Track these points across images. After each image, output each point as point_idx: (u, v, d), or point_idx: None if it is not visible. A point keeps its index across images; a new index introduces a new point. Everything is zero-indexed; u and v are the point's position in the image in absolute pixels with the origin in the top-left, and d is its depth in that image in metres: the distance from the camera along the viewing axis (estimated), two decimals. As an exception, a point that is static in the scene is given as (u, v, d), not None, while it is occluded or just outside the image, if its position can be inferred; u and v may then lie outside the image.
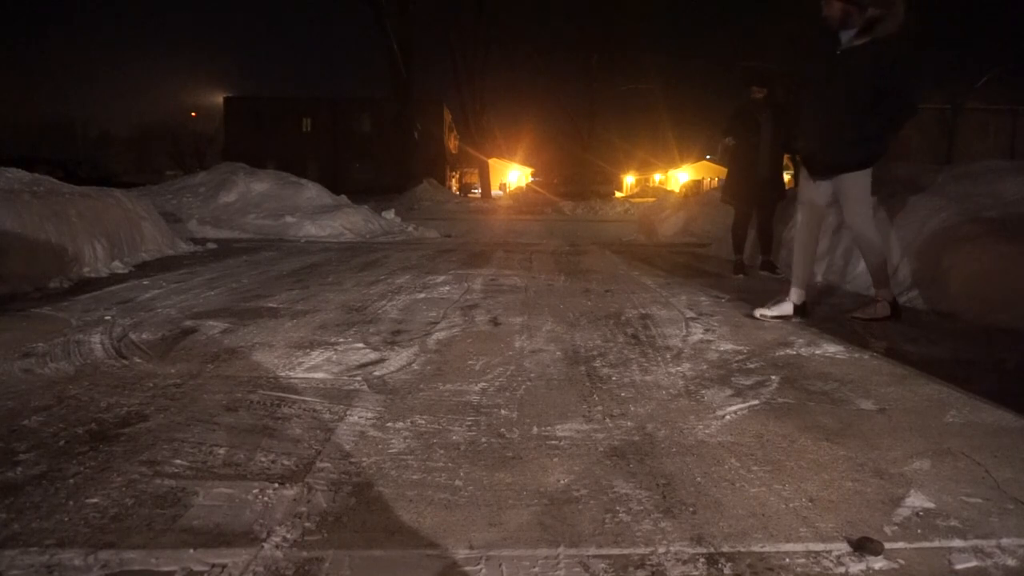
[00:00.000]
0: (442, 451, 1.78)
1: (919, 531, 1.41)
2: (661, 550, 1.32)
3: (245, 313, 3.55)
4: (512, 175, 46.13)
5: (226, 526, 1.38)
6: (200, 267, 5.52)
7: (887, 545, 1.33)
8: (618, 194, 39.10)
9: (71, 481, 1.56)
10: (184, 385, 2.30)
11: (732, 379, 2.48)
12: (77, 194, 5.41)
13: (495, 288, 4.63)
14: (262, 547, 1.30)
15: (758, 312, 3.56)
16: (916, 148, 31.85)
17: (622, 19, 28.62)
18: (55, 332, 3.02)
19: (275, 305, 3.81)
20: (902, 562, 1.29)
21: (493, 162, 34.29)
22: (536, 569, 1.25)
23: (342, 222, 9.43)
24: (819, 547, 1.34)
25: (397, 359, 2.69)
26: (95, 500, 1.47)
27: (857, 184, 3.36)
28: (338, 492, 1.54)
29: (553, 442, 1.86)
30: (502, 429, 1.95)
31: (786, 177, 5.79)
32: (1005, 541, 1.37)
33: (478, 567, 1.25)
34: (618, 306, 3.95)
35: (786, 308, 3.53)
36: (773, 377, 2.51)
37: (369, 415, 2.04)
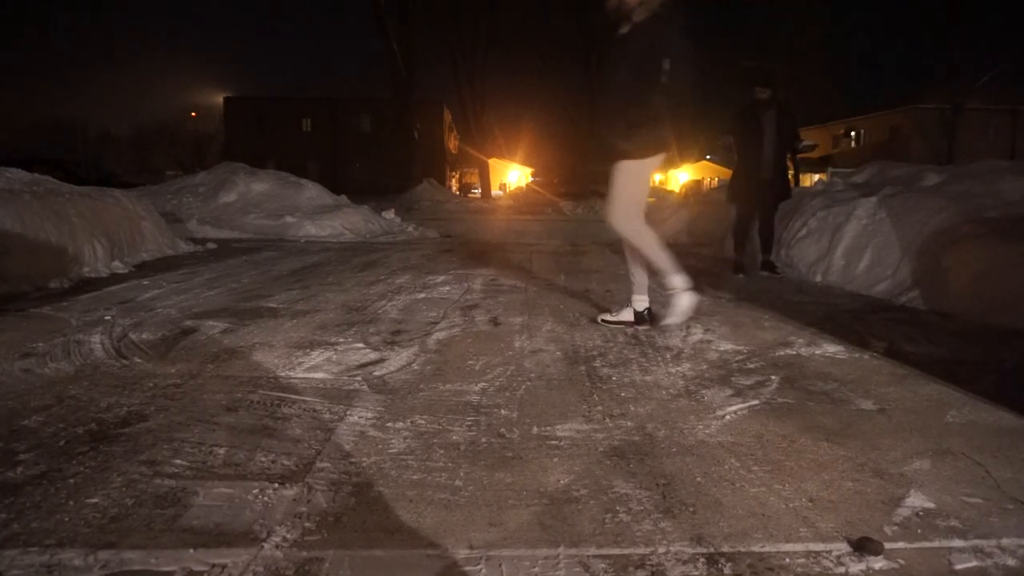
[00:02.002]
0: (442, 451, 1.78)
1: (919, 531, 1.41)
2: (661, 550, 1.32)
3: (245, 313, 3.55)
4: (512, 175, 46.12)
5: (226, 526, 1.38)
6: (200, 267, 5.52)
7: (887, 545, 1.33)
8: (618, 194, 38.92)
9: (71, 481, 1.56)
10: (184, 385, 2.29)
11: (732, 379, 2.48)
12: (77, 194, 5.41)
13: (495, 288, 4.62)
14: (262, 547, 1.30)
15: (600, 317, 3.41)
16: (916, 148, 31.87)
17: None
18: (55, 332, 3.02)
19: (275, 305, 3.81)
20: (902, 562, 1.29)
21: (493, 162, 34.28)
22: (536, 569, 1.25)
23: (342, 222, 9.42)
24: (819, 547, 1.34)
25: (397, 359, 2.69)
26: (95, 500, 1.47)
27: (620, 175, 3.18)
28: (338, 492, 1.54)
29: (553, 442, 1.86)
30: (502, 429, 1.95)
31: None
32: (1005, 541, 1.37)
33: (478, 567, 1.25)
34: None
35: (626, 315, 3.33)
36: (773, 377, 2.51)
37: (369, 415, 2.04)
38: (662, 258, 3.19)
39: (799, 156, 5.37)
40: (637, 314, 3.32)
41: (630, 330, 3.29)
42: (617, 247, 8.25)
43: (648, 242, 3.19)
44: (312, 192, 10.52)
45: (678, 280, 3.18)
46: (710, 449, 1.82)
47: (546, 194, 27.82)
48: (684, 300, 3.19)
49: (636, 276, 3.33)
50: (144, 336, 2.98)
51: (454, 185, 43.54)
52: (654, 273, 3.30)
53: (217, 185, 10.40)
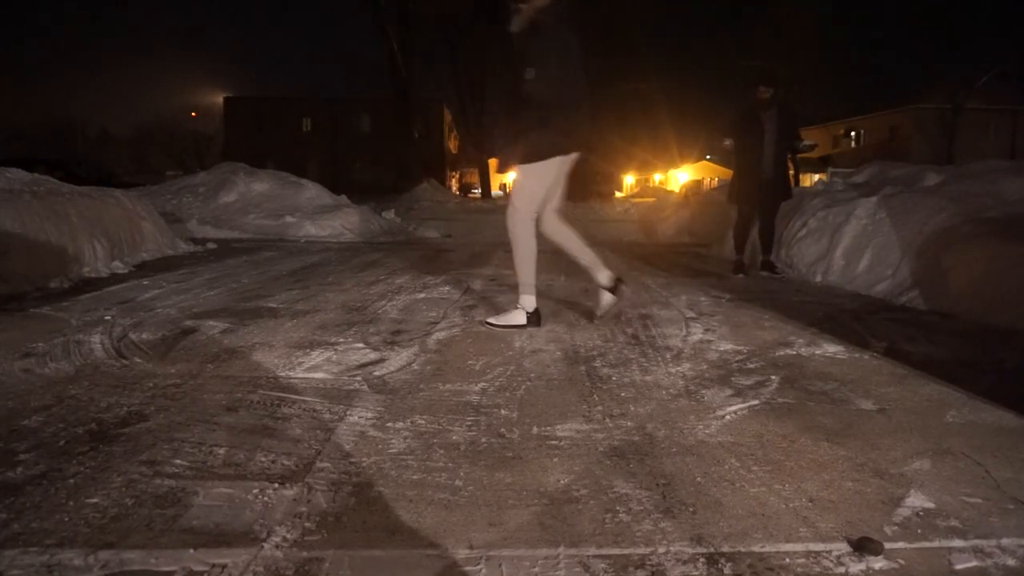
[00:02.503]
0: (442, 451, 1.78)
1: (919, 531, 1.41)
2: (661, 550, 1.32)
3: (245, 313, 3.55)
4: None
5: (226, 526, 1.38)
6: (200, 267, 5.52)
7: (887, 545, 1.33)
8: (618, 194, 39.08)
9: (71, 481, 1.56)
10: (184, 385, 2.29)
11: (732, 379, 2.48)
12: (77, 194, 5.41)
13: (495, 288, 4.62)
14: (262, 547, 1.30)
15: (489, 319, 3.34)
16: (916, 148, 31.87)
17: (622, 19, 28.61)
18: (55, 332, 3.01)
19: (275, 305, 3.81)
20: (902, 562, 1.29)
21: (493, 162, 34.26)
22: (536, 569, 1.25)
23: (342, 222, 9.42)
24: (819, 547, 1.34)
25: (397, 359, 2.69)
26: (95, 500, 1.47)
27: (518, 176, 3.18)
28: (338, 492, 1.54)
29: (553, 442, 1.86)
30: (502, 429, 1.95)
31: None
32: (1005, 541, 1.37)
33: (478, 567, 1.25)
34: (618, 306, 3.94)
35: (518, 317, 3.27)
36: (773, 377, 2.51)
37: (369, 415, 2.04)
38: (530, 271, 3.24)
39: (799, 156, 5.37)
40: (530, 315, 3.28)
41: (603, 317, 3.36)
42: (617, 247, 8.26)
43: (530, 251, 3.23)
44: (312, 192, 10.52)
45: (529, 301, 3.26)
46: (710, 449, 1.82)
47: (546, 194, 27.77)
48: (518, 317, 3.25)
49: (527, 276, 3.27)
50: (144, 336, 2.98)
51: (454, 185, 43.53)
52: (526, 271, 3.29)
53: (217, 185, 10.40)
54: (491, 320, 3.33)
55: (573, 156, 3.20)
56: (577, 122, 3.15)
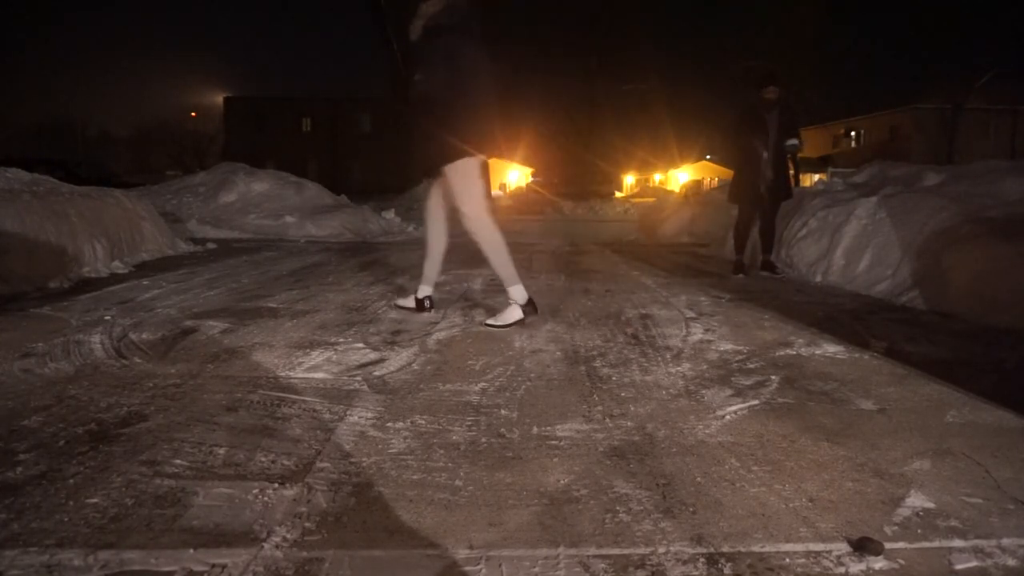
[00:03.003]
0: (442, 451, 1.78)
1: (919, 531, 1.41)
2: (661, 550, 1.32)
3: (245, 313, 3.55)
4: (512, 175, 46.12)
5: (226, 526, 1.38)
6: (200, 267, 5.52)
7: (887, 545, 1.33)
8: (618, 194, 39.10)
9: (71, 481, 1.56)
10: (184, 385, 2.29)
11: (732, 379, 2.48)
12: (77, 194, 5.41)
13: (495, 288, 4.62)
14: (262, 547, 1.30)
15: (488, 321, 3.33)
16: (916, 148, 31.88)
17: (622, 19, 28.64)
18: (55, 332, 3.01)
19: (275, 305, 3.81)
20: (902, 562, 1.29)
21: (493, 162, 34.23)
22: (536, 569, 1.25)
23: (342, 222, 9.43)
24: (819, 547, 1.34)
25: (397, 359, 2.69)
26: (95, 500, 1.47)
27: (450, 178, 3.24)
28: (338, 492, 1.54)
29: (553, 442, 1.86)
30: (502, 429, 1.95)
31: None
32: (1005, 541, 1.37)
33: (478, 567, 1.25)
34: (618, 306, 3.95)
35: (514, 313, 3.28)
36: (773, 377, 2.51)
37: (369, 415, 2.04)
38: (508, 265, 3.28)
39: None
40: (522, 307, 3.29)
41: (527, 320, 3.31)
42: (617, 247, 8.26)
43: (496, 249, 3.28)
44: (312, 192, 10.52)
45: (519, 292, 3.28)
46: (710, 449, 1.82)
47: (546, 194, 27.83)
48: (515, 312, 3.27)
49: (504, 271, 3.31)
50: (144, 336, 2.98)
51: (454, 185, 43.42)
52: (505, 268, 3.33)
53: (217, 185, 10.40)
54: (490, 322, 3.33)
55: (486, 156, 3.29)
56: (475, 126, 3.18)
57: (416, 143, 3.29)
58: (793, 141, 5.32)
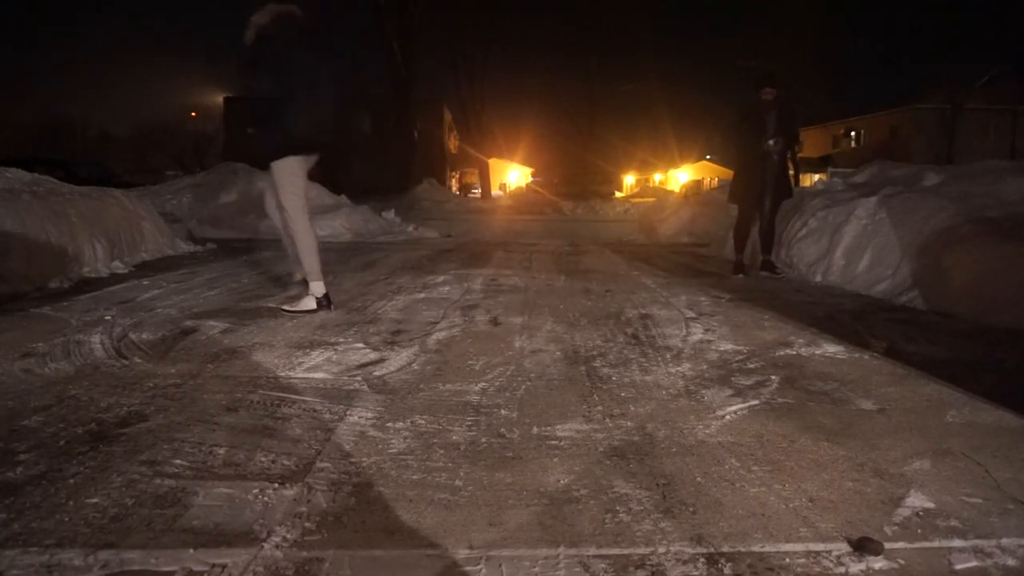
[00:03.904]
0: (442, 451, 1.78)
1: (919, 531, 1.41)
2: (661, 550, 1.32)
3: (245, 313, 3.55)
4: (512, 175, 46.13)
5: (226, 526, 1.38)
6: (200, 267, 5.52)
7: (887, 545, 1.33)
8: (618, 194, 39.11)
9: (71, 481, 1.56)
10: (184, 385, 2.30)
11: (732, 379, 2.48)
12: (77, 194, 5.41)
13: (495, 288, 4.62)
14: (262, 547, 1.30)
15: (283, 307, 3.57)
16: (916, 148, 31.89)
17: (622, 19, 28.65)
18: (55, 332, 3.01)
19: (275, 305, 3.81)
20: (902, 562, 1.29)
21: (493, 162, 34.26)
22: (536, 569, 1.25)
23: (342, 222, 9.42)
24: (819, 547, 1.34)
25: (397, 359, 2.69)
26: (95, 500, 1.47)
27: (275, 177, 3.49)
28: (338, 492, 1.54)
29: (553, 442, 1.86)
30: (502, 429, 1.95)
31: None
32: (1005, 541, 1.37)
33: (478, 567, 1.25)
34: (618, 306, 3.95)
35: (309, 303, 3.52)
36: (773, 377, 2.51)
37: (369, 415, 2.04)
38: (314, 260, 3.53)
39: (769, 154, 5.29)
40: (318, 300, 3.53)
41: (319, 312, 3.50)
42: (617, 247, 8.26)
43: (307, 243, 3.52)
44: (312, 192, 10.48)
45: (318, 287, 3.53)
46: (710, 449, 1.82)
47: (546, 194, 27.84)
48: (309, 303, 3.51)
49: (308, 264, 3.54)
50: (144, 336, 2.98)
51: (454, 185, 43.50)
52: (309, 258, 3.55)
53: (217, 185, 10.39)
54: (285, 307, 3.55)
55: (312, 156, 3.57)
56: (308, 125, 3.44)
57: (253, 140, 3.57)
58: (771, 142, 5.21)
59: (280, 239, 3.88)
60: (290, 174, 3.47)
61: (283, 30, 3.34)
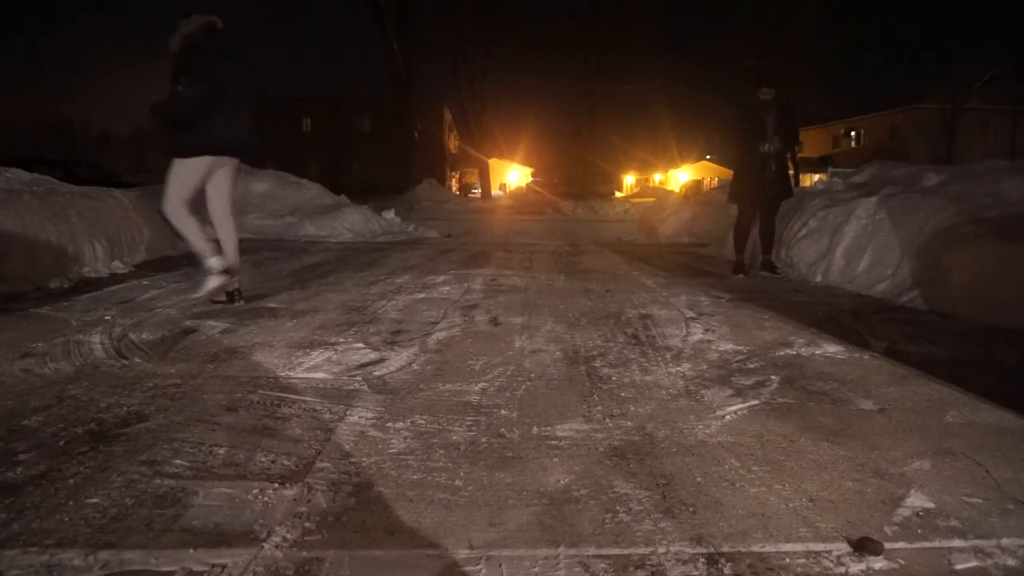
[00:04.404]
0: (442, 451, 1.78)
1: (919, 531, 1.41)
2: (661, 550, 1.32)
3: (245, 313, 3.55)
4: (512, 175, 46.14)
5: (226, 526, 1.38)
6: (200, 267, 5.52)
7: (887, 545, 1.33)
8: (618, 194, 39.12)
9: (71, 481, 1.56)
10: (184, 385, 2.30)
11: (732, 379, 2.48)
12: (77, 194, 5.41)
13: (495, 288, 4.62)
14: (262, 547, 1.30)
15: (194, 295, 3.76)
16: (916, 148, 31.89)
17: (622, 19, 28.66)
18: (55, 332, 3.01)
19: (275, 305, 3.81)
20: (902, 562, 1.29)
21: (493, 162, 34.28)
22: (536, 569, 1.25)
23: (342, 222, 9.42)
24: (819, 547, 1.34)
25: (397, 359, 2.69)
26: (95, 500, 1.47)
27: (171, 170, 3.69)
28: (338, 492, 1.54)
29: (553, 442, 1.86)
30: (502, 429, 1.95)
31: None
32: (1005, 541, 1.37)
33: (478, 567, 1.25)
34: (618, 306, 3.95)
35: (214, 281, 3.68)
36: (773, 377, 2.51)
37: (369, 415, 2.04)
38: (200, 244, 3.73)
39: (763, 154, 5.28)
40: (223, 272, 3.71)
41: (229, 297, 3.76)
42: (617, 247, 8.26)
43: (189, 228, 3.73)
44: (312, 192, 10.51)
45: (214, 262, 3.69)
46: (710, 449, 1.82)
47: (546, 194, 27.83)
48: (212, 281, 3.68)
49: (198, 247, 3.74)
50: (144, 336, 2.98)
51: (454, 185, 43.53)
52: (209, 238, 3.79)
53: (217, 185, 10.37)
54: (194, 295, 3.75)
55: (223, 159, 3.76)
56: (220, 129, 3.66)
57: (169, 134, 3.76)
58: (767, 146, 5.20)
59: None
60: (182, 174, 3.68)
61: (206, 39, 3.63)
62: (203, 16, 3.66)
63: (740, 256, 5.57)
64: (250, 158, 3.94)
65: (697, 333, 3.24)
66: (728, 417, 2.08)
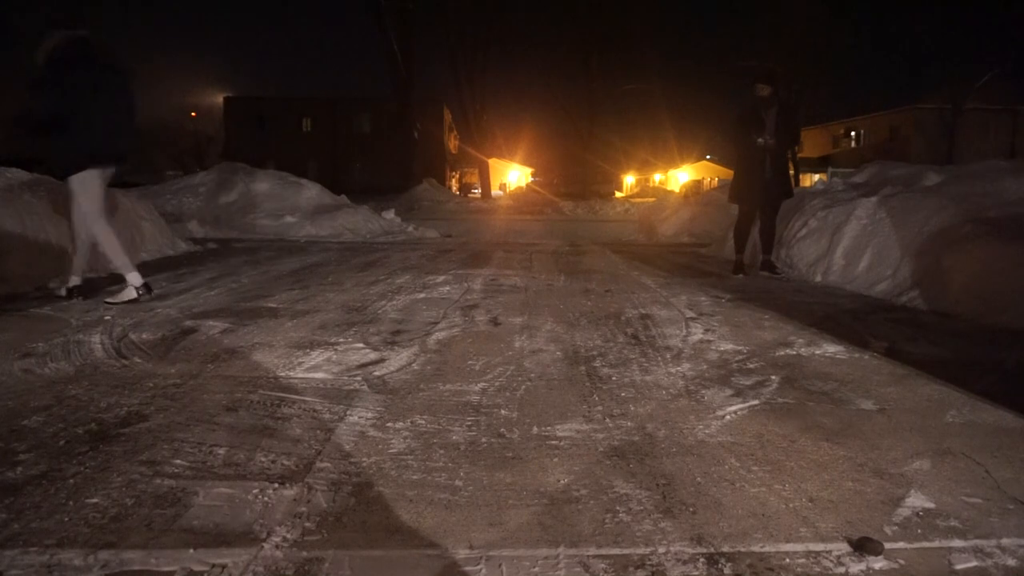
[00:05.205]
0: (442, 451, 1.78)
1: (919, 531, 1.41)
2: (661, 550, 1.32)
3: (245, 313, 3.55)
4: (512, 175, 46.12)
5: (226, 526, 1.38)
6: (200, 267, 5.52)
7: (887, 545, 1.33)
8: (618, 194, 39.13)
9: (71, 481, 1.56)
10: (184, 385, 2.30)
11: (732, 379, 2.48)
12: (77, 194, 5.39)
13: (495, 288, 4.63)
14: (262, 547, 1.30)
15: (107, 300, 3.76)
16: (916, 148, 31.90)
17: (622, 19, 28.68)
18: (55, 332, 3.02)
19: (275, 305, 3.81)
20: (902, 562, 1.29)
21: (493, 162, 34.26)
22: (536, 569, 1.25)
23: (342, 222, 9.43)
24: (819, 547, 1.34)
25: (397, 359, 2.69)
26: (95, 500, 1.47)
27: (72, 186, 3.76)
28: (338, 492, 1.54)
29: (553, 442, 1.86)
30: (502, 429, 1.95)
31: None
32: (1005, 541, 1.37)
33: (478, 567, 1.25)
34: (618, 306, 3.95)
35: (130, 293, 3.76)
36: (773, 377, 2.51)
37: (369, 415, 2.04)
38: (120, 255, 3.83)
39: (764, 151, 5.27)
40: (137, 288, 3.79)
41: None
42: (617, 247, 8.26)
43: (113, 245, 3.83)
44: (312, 192, 10.51)
45: (134, 277, 3.81)
46: (710, 449, 1.82)
47: (546, 194, 27.85)
48: (130, 292, 3.77)
49: (117, 261, 3.83)
50: (144, 336, 2.98)
51: (454, 185, 43.52)
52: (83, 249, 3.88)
53: (217, 185, 10.39)
54: (108, 300, 3.74)
55: (108, 167, 3.85)
56: (100, 140, 3.74)
57: (52, 154, 3.86)
58: (761, 140, 5.19)
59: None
60: (87, 185, 3.75)
61: (72, 52, 3.65)
62: (68, 31, 3.71)
63: (740, 256, 5.57)
64: (122, 164, 4.03)
65: (697, 333, 3.24)
66: (728, 417, 2.08)
